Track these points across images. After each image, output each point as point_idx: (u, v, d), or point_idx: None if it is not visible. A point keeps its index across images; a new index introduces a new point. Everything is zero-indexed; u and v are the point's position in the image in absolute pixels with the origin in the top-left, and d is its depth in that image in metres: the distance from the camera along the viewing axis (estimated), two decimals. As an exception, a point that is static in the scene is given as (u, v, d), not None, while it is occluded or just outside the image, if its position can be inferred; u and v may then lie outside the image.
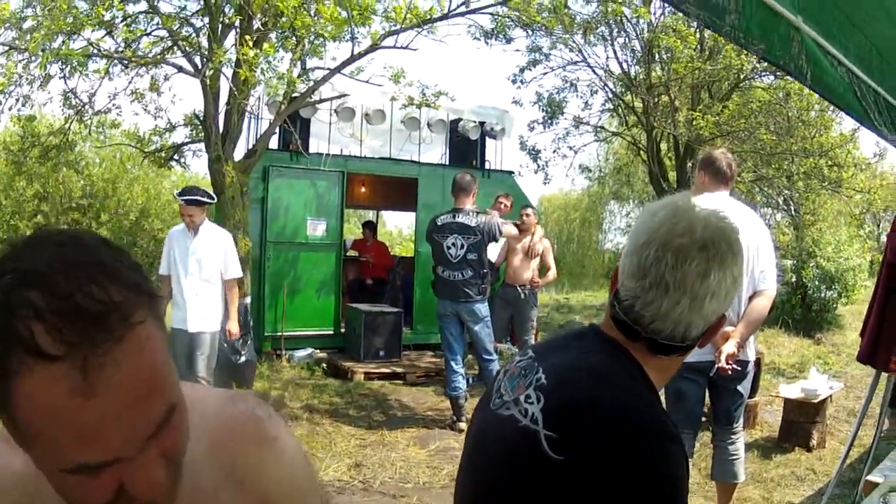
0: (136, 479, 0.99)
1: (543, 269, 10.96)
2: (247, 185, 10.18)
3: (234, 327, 8.07)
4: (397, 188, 15.05)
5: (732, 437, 5.32)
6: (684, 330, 1.69)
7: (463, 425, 8.67)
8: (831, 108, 13.04)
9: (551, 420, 1.66)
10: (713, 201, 5.04)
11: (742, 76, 14.40)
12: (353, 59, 10.24)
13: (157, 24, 10.18)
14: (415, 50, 10.31)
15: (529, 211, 10.86)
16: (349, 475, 7.22)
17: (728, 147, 14.08)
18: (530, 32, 14.84)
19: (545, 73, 16.51)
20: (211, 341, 7.75)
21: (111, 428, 0.93)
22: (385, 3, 10.01)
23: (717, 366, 4.64)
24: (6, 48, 10.17)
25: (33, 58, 9.69)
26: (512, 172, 14.44)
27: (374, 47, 10.12)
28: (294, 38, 9.90)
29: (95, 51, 9.42)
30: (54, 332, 0.89)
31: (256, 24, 9.36)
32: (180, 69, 10.10)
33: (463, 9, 10.42)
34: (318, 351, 12.12)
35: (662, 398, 2.02)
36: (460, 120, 13.55)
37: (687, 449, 5.17)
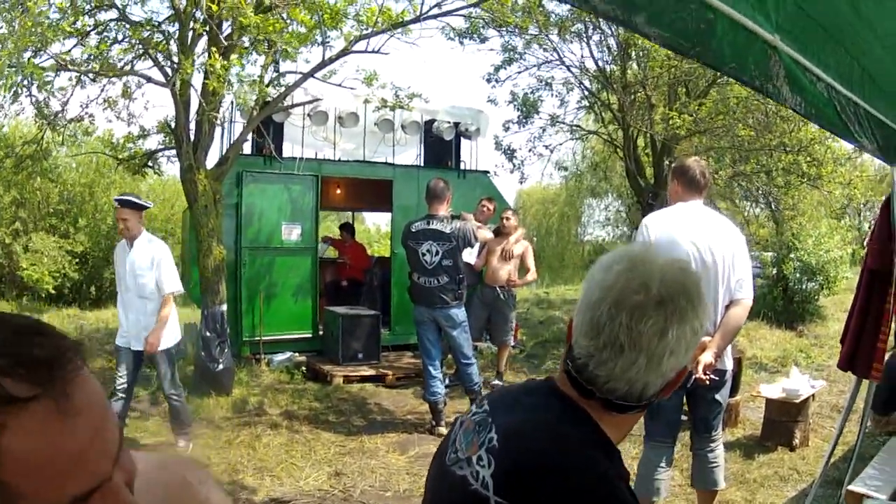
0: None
1: (524, 270, 10.97)
2: (220, 192, 10.10)
3: (153, 340, 7.39)
4: (372, 190, 15.04)
5: (711, 444, 5.33)
6: (641, 389, 1.66)
7: (442, 430, 8.68)
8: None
9: (501, 487, 1.64)
10: (682, 219, 5.08)
11: (719, 73, 14.37)
12: (323, 63, 10.18)
13: (128, 31, 10.11)
14: (386, 54, 10.28)
15: (510, 214, 10.93)
16: (329, 484, 7.22)
17: (706, 143, 14.18)
18: (504, 33, 14.81)
19: (520, 72, 16.51)
20: (166, 358, 7.57)
21: (91, 450, 0.99)
22: (357, 7, 9.92)
23: (694, 376, 4.63)
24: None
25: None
26: (487, 172, 14.43)
27: (345, 52, 10.07)
28: (266, 42, 9.83)
29: (62, 65, 9.33)
30: (21, 380, 0.94)
31: (226, 31, 9.28)
32: (149, 79, 10.03)
33: (436, 10, 10.38)
34: (297, 354, 12.10)
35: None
36: (434, 121, 13.50)
37: (666, 457, 5.19)
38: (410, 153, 14.21)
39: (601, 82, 15.65)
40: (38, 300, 18.78)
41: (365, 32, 9.95)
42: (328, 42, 10.39)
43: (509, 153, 16.67)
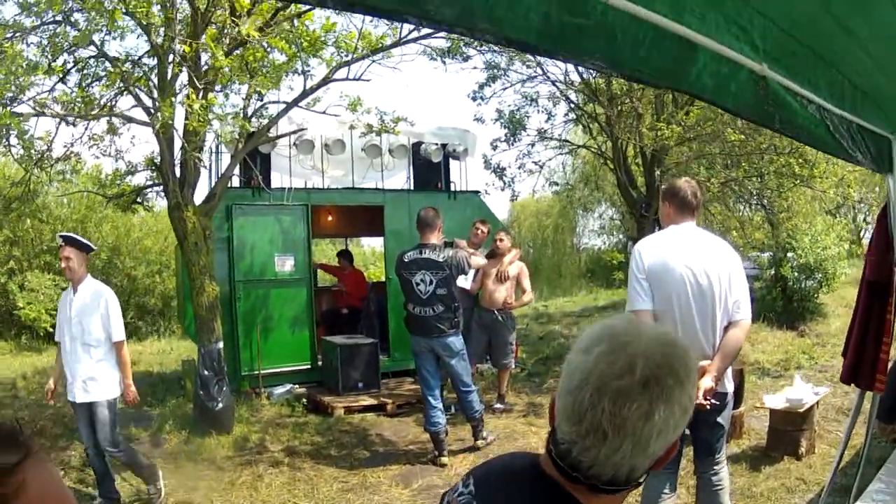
0: None
1: (520, 291, 10.89)
2: (210, 228, 10.02)
3: (130, 393, 7.28)
4: (364, 216, 14.97)
5: (715, 467, 5.23)
6: (628, 472, 1.58)
7: (445, 460, 8.67)
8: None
9: None
10: (676, 241, 5.01)
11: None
12: (306, 93, 10.14)
13: (108, 68, 10.05)
14: (368, 80, 10.22)
15: (503, 236, 10.84)
16: (333, 523, 7.15)
17: (696, 150, 14.10)
18: (486, 50, 14.72)
19: (505, 89, 16.43)
20: (105, 411, 7.09)
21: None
22: (336, 33, 9.88)
23: (695, 402, 4.54)
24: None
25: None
26: (478, 192, 14.32)
27: (326, 80, 10.04)
28: (247, 72, 9.77)
29: (40, 111, 9.25)
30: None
31: (204, 68, 9.21)
32: (131, 119, 9.96)
33: (415, 34, 10.31)
34: (297, 386, 12.02)
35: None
36: (422, 143, 13.46)
37: (670, 483, 5.09)
38: (399, 177, 14.16)
39: (587, 95, 15.58)
40: (37, 338, 18.70)
41: (346, 59, 9.92)
42: (309, 71, 10.36)
43: (499, 171, 16.60)
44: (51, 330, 18.29)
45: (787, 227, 15.86)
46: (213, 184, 11.05)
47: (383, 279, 14.67)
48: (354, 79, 10.12)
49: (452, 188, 13.96)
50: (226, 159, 11.58)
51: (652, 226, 13.53)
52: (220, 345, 10.08)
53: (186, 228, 9.67)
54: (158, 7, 9.01)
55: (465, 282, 10.13)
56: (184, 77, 9.51)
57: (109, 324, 7.10)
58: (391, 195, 13.33)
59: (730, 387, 5.20)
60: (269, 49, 9.59)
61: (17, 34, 9.39)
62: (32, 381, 13.10)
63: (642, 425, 1.52)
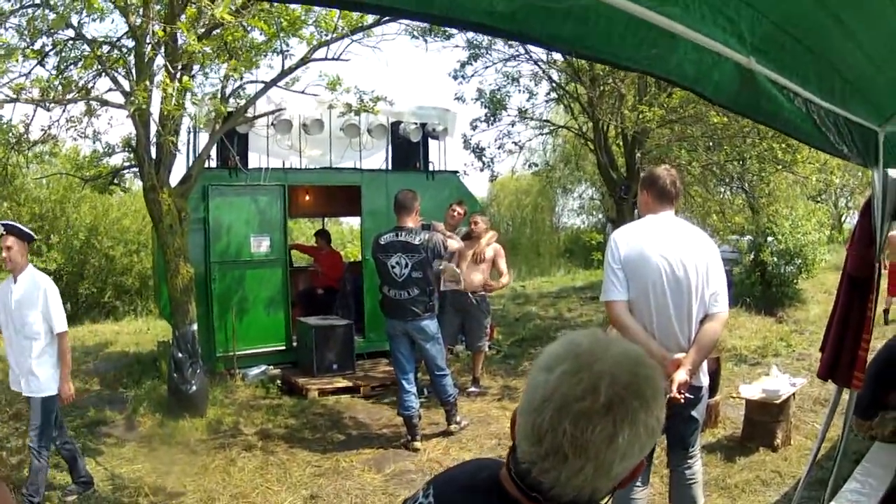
0: None
1: (497, 274, 10.80)
2: (185, 210, 9.90)
3: (66, 390, 6.91)
4: (341, 196, 14.89)
5: (689, 461, 5.18)
6: (590, 494, 1.52)
7: (418, 444, 8.64)
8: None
9: None
10: (655, 230, 4.92)
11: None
12: (283, 73, 10.01)
13: (86, 50, 9.90)
14: (347, 60, 10.09)
15: (479, 219, 10.79)
16: (305, 509, 7.09)
17: (677, 132, 14.02)
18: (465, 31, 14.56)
19: (486, 67, 16.25)
20: (42, 408, 6.76)
21: None
22: (316, 13, 9.73)
23: (668, 395, 4.48)
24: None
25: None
26: (457, 172, 14.24)
27: (305, 60, 9.90)
28: (227, 53, 9.64)
29: (14, 97, 9.08)
30: None
31: (181, 49, 9.06)
32: (106, 103, 9.81)
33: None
34: (271, 367, 12.00)
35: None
36: (401, 123, 13.36)
37: (642, 475, 5.03)
38: (378, 157, 14.06)
39: (569, 75, 15.45)
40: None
41: (325, 39, 9.79)
42: (288, 51, 10.23)
43: (478, 151, 16.47)
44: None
45: (767, 212, 15.81)
46: (190, 163, 10.91)
47: (360, 259, 14.58)
48: (334, 58, 9.99)
49: (431, 168, 13.87)
50: (203, 139, 11.45)
51: (632, 208, 13.48)
52: (195, 327, 9.98)
53: (161, 210, 9.55)
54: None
55: (456, 284, 10.10)
56: (161, 59, 9.37)
57: (50, 316, 6.83)
58: (368, 175, 13.26)
59: (705, 380, 5.13)
60: (249, 29, 9.45)
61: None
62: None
63: (605, 448, 1.46)
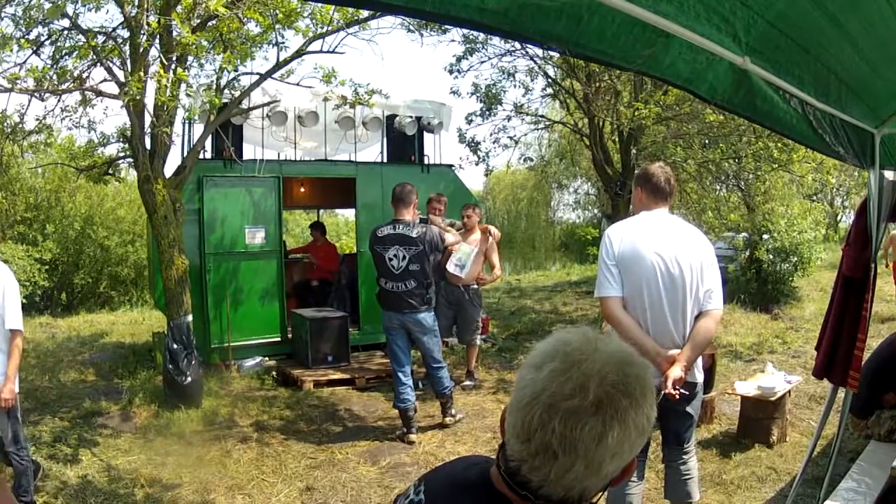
0: None
1: (489, 267, 10.84)
2: (180, 201, 9.90)
3: (8, 395, 6.16)
4: (336, 188, 14.93)
5: (684, 456, 5.19)
6: (580, 492, 1.53)
7: (413, 437, 8.64)
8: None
9: None
10: (649, 226, 4.94)
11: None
12: (279, 65, 10.01)
13: (81, 40, 9.89)
14: (342, 53, 10.10)
15: (470, 212, 10.79)
16: (301, 501, 7.11)
17: (673, 129, 14.04)
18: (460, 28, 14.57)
19: (482, 62, 16.26)
20: (6, 412, 6.21)
21: None
22: (312, 6, 9.72)
23: (663, 392, 4.51)
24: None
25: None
26: (452, 166, 14.25)
27: (300, 53, 9.90)
28: (222, 44, 9.64)
29: (9, 88, 9.06)
30: None
31: (176, 40, 9.05)
32: (101, 93, 9.80)
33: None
34: (266, 359, 12.01)
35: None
36: (396, 116, 13.33)
37: (637, 471, 5.06)
38: (373, 149, 14.12)
39: (565, 70, 15.46)
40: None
41: (321, 31, 9.78)
42: (283, 43, 10.23)
43: (473, 146, 16.48)
44: (24, 301, 18.17)
45: (763, 210, 15.85)
46: (184, 155, 10.91)
47: (355, 251, 14.59)
48: (329, 51, 9.99)
49: (426, 161, 13.86)
50: (198, 130, 11.42)
51: (627, 204, 13.50)
52: (190, 318, 9.99)
53: (156, 201, 9.55)
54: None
55: (459, 271, 10.13)
56: (156, 50, 9.37)
57: (4, 310, 6.20)
58: (363, 167, 13.25)
59: (699, 377, 5.14)
60: (245, 20, 9.44)
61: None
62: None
63: (595, 447, 1.47)
